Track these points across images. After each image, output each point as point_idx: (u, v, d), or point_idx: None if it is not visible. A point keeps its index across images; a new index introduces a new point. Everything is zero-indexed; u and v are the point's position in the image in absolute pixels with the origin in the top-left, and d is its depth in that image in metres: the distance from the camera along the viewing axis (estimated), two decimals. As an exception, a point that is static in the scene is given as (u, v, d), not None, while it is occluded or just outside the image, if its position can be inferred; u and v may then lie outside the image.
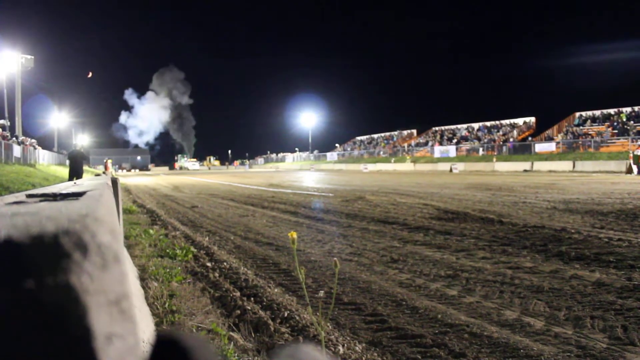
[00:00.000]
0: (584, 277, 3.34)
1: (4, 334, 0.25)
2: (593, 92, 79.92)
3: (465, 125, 49.75)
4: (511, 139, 42.06)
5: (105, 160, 33.99)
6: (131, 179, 28.08)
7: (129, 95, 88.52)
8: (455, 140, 47.07)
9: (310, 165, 56.23)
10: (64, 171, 22.53)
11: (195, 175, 32.39)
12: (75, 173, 12.50)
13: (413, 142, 52.39)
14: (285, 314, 2.72)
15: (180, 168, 73.82)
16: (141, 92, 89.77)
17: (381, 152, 53.63)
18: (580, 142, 34.19)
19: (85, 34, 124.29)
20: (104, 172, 7.89)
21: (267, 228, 6.14)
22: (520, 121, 45.30)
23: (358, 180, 20.37)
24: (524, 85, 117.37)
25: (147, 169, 72.38)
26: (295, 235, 1.56)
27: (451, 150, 43.62)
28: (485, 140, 43.66)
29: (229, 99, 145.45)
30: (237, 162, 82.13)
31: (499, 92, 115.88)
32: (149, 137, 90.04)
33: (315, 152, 67.41)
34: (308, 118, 70.86)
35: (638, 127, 33.40)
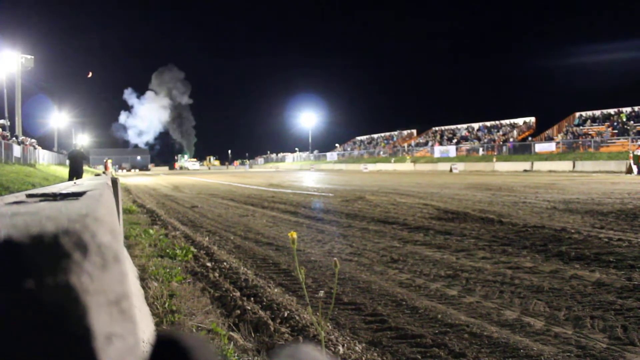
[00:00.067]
0: (584, 277, 3.34)
1: (4, 334, 0.25)
2: (593, 92, 79.99)
3: (465, 125, 49.76)
4: (511, 139, 42.06)
5: (105, 160, 33.98)
6: (131, 179, 28.07)
7: (129, 95, 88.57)
8: (455, 140, 47.07)
9: (310, 165, 56.23)
10: (64, 171, 22.53)
11: (195, 175, 32.38)
12: (75, 173, 12.50)
13: (413, 142, 52.39)
14: (285, 314, 2.72)
15: (181, 168, 73.84)
16: (141, 92, 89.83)
17: (381, 152, 53.63)
18: (580, 142, 34.19)
19: (85, 34, 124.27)
20: (104, 172, 7.89)
21: (267, 228, 6.14)
22: (520, 121, 45.31)
23: (358, 180, 20.37)
24: (524, 85, 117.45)
25: (147, 169, 72.39)
26: (295, 235, 1.56)
27: (451, 150, 43.62)
28: (485, 140, 43.67)
29: (229, 99, 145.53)
30: (237, 162, 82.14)
31: (499, 92, 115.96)
32: (149, 137, 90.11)
33: (315, 152, 67.42)
34: (308, 118, 70.87)
35: (638, 127, 33.41)
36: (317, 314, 2.62)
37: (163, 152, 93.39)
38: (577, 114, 39.48)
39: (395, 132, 59.74)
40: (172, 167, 76.89)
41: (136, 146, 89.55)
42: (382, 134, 61.57)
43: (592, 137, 34.58)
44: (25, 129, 35.34)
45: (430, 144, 48.70)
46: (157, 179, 26.83)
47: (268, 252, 4.58)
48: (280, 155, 77.15)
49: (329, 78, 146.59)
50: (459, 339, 2.33)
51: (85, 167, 18.23)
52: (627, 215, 6.34)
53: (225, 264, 4.09)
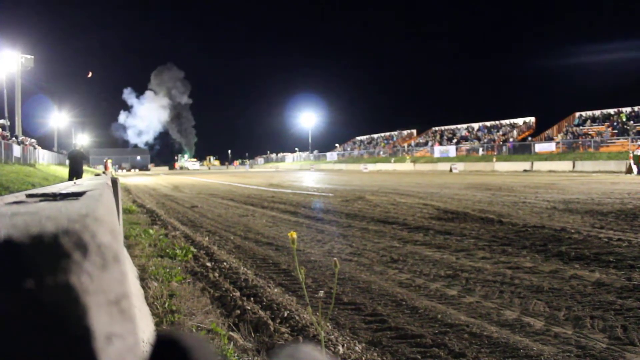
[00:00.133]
0: (584, 277, 3.34)
1: (4, 334, 0.25)
2: (593, 92, 79.99)
3: (465, 125, 49.76)
4: (511, 139, 42.07)
5: (105, 160, 33.99)
6: (131, 178, 28.07)
7: (128, 95, 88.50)
8: (455, 140, 47.07)
9: (310, 165, 56.23)
10: (64, 171, 22.53)
11: (195, 175, 32.38)
12: (75, 173, 12.50)
13: (413, 142, 52.40)
14: (285, 314, 2.72)
15: (181, 168, 73.83)
16: (141, 92, 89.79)
17: (381, 152, 53.63)
18: (580, 142, 34.20)
19: (85, 34, 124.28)
20: (103, 172, 7.89)
21: (267, 228, 6.14)
22: (520, 121, 45.32)
23: (358, 180, 20.37)
24: (524, 85, 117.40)
25: (147, 169, 72.39)
26: (295, 235, 1.56)
27: (451, 150, 43.62)
28: (485, 140, 43.67)
29: (229, 99, 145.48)
30: (237, 162, 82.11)
31: (499, 92, 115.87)
32: (148, 137, 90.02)
33: (315, 152, 67.42)
34: (308, 118, 70.87)
35: (638, 127, 33.42)
36: (317, 314, 2.62)
37: (163, 152, 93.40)
38: (577, 114, 39.49)
39: (395, 132, 59.74)
40: (172, 167, 76.89)
41: (136, 146, 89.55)
42: (382, 134, 61.57)
43: (592, 137, 34.59)
44: (25, 129, 35.37)
45: (430, 144, 48.70)
46: (157, 178, 26.83)
47: (268, 252, 4.58)
48: (280, 155, 77.14)
49: (329, 78, 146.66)
50: (458, 339, 2.33)
51: (85, 167, 18.23)
52: (627, 215, 6.34)
53: (225, 263, 4.09)
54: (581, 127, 37.67)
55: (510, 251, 4.27)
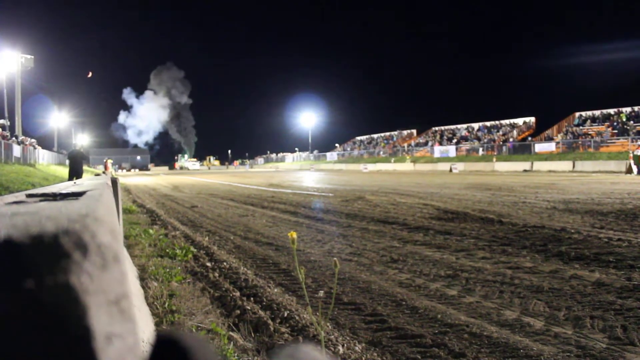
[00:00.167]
0: (584, 277, 3.34)
1: (4, 334, 0.25)
2: (593, 92, 79.97)
3: (465, 125, 49.76)
4: (511, 139, 42.07)
5: (105, 160, 33.97)
6: (131, 178, 28.07)
7: (127, 95, 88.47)
8: (455, 140, 47.07)
9: (310, 165, 56.23)
10: (64, 171, 22.53)
11: (195, 175, 32.38)
12: (75, 173, 12.50)
13: (413, 142, 52.40)
14: (285, 314, 2.72)
15: (181, 168, 73.81)
16: (141, 92, 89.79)
17: (381, 152, 53.63)
18: (580, 142, 34.19)
19: (85, 34, 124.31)
20: (103, 172, 7.89)
21: (266, 228, 6.14)
22: (520, 121, 45.32)
23: (358, 180, 20.37)
24: (524, 85, 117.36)
25: (147, 169, 72.38)
26: (295, 235, 1.56)
27: (451, 150, 43.62)
28: (485, 140, 43.67)
29: (229, 99, 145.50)
30: (237, 162, 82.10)
31: (499, 92, 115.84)
32: (148, 136, 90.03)
33: (315, 152, 67.42)
34: (308, 118, 70.87)
35: (638, 127, 33.42)
36: (317, 313, 2.62)
37: (163, 152, 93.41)
38: (577, 114, 39.48)
39: (395, 132, 59.74)
40: (172, 167, 76.87)
41: (136, 146, 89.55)
42: (382, 134, 61.56)
43: (592, 137, 34.59)
44: (25, 129, 35.37)
45: (430, 144, 48.71)
46: (157, 178, 26.83)
47: (268, 252, 4.58)
48: (280, 155, 77.14)
49: (329, 78, 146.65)
50: (458, 339, 2.33)
51: (85, 167, 18.23)
52: (627, 215, 6.34)
53: (225, 263, 4.09)
54: (581, 127, 37.67)
55: (510, 251, 4.27)
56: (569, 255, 3.99)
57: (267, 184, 16.37)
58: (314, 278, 3.56)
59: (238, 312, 2.78)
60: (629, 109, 36.13)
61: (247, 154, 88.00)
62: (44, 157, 31.78)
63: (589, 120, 38.15)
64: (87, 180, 2.07)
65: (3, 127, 26.40)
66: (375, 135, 62.82)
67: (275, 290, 3.29)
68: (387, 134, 60.88)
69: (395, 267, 3.84)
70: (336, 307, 2.85)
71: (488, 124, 47.79)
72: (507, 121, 46.29)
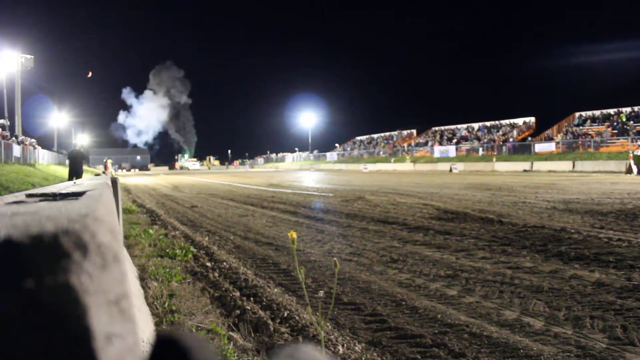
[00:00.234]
0: (584, 277, 3.34)
1: (4, 334, 0.25)
2: (593, 92, 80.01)
3: (465, 125, 49.77)
4: (511, 139, 42.07)
5: (105, 160, 33.97)
6: (131, 178, 28.06)
7: (127, 94, 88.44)
8: (455, 140, 47.08)
9: (310, 165, 56.23)
10: (64, 171, 22.53)
11: (195, 175, 32.38)
12: (75, 173, 12.49)
13: (413, 142, 52.40)
14: (285, 314, 2.72)
15: (181, 168, 73.79)
16: (141, 92, 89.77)
17: (381, 152, 53.64)
18: (580, 142, 34.20)
19: (85, 34, 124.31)
20: (103, 172, 7.89)
21: (266, 228, 6.14)
22: (520, 121, 45.32)
23: (358, 180, 20.37)
24: (524, 85, 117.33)
25: (147, 169, 72.37)
26: (295, 235, 1.56)
27: (451, 150, 43.63)
28: (485, 140, 43.68)
29: (229, 99, 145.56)
30: (237, 162, 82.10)
31: (499, 92, 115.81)
32: (148, 136, 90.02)
33: (315, 152, 67.42)
34: (308, 118, 70.90)
35: (638, 127, 33.42)
36: (317, 313, 2.62)
37: (163, 151, 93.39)
38: (577, 114, 39.49)
39: (395, 132, 59.74)
40: (172, 167, 76.86)
41: (135, 146, 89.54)
42: (382, 134, 61.57)
43: (592, 137, 34.59)
44: (25, 129, 35.37)
45: (430, 144, 48.71)
46: (157, 178, 26.82)
47: (268, 252, 4.58)
48: (280, 155, 77.13)
49: (329, 78, 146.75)
50: (458, 339, 2.33)
51: (85, 167, 18.22)
52: (627, 215, 6.34)
53: (225, 263, 4.09)
54: (581, 127, 37.67)
55: (510, 251, 4.27)
56: (569, 255, 4.00)
57: (267, 184, 16.37)
58: (314, 278, 3.56)
59: (238, 312, 2.78)
60: (629, 109, 36.13)
61: (247, 154, 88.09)
62: (43, 157, 31.78)
63: (589, 120, 38.15)
64: (87, 180, 2.07)
65: (3, 127, 26.40)
66: (375, 135, 62.82)
67: (275, 290, 3.29)
68: (387, 134, 60.88)
69: (395, 267, 3.84)
70: (336, 307, 2.85)
71: (488, 124, 47.80)
72: (507, 121, 46.30)
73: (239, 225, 6.41)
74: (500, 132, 44.66)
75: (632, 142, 30.28)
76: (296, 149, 74.21)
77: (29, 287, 0.26)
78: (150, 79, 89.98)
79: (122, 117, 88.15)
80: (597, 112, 38.31)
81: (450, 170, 33.49)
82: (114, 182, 3.11)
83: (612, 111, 37.23)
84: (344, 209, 8.07)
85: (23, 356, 0.26)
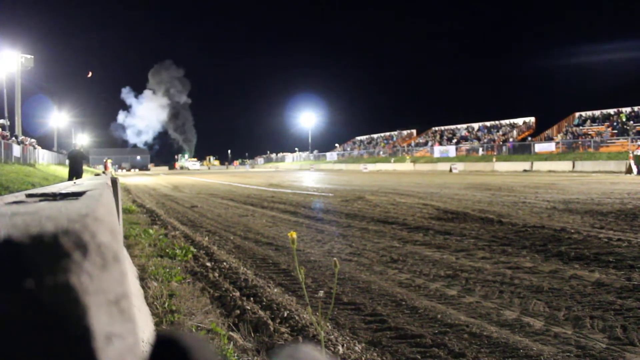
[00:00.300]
0: (584, 277, 3.34)
1: (4, 334, 0.26)
2: (593, 92, 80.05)
3: (465, 125, 49.77)
4: (511, 139, 42.07)
5: (104, 160, 33.98)
6: (131, 178, 28.07)
7: (126, 94, 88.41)
8: (455, 140, 47.08)
9: (310, 165, 56.23)
10: (64, 171, 22.53)
11: (195, 175, 32.38)
12: (75, 173, 12.49)
13: (413, 142, 52.40)
14: (285, 314, 2.72)
15: (181, 168, 73.77)
16: (140, 91, 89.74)
17: (381, 152, 53.64)
18: (579, 142, 34.20)
19: (85, 34, 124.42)
20: (103, 172, 7.88)
21: (266, 228, 6.14)
22: (520, 121, 45.32)
23: (358, 180, 20.37)
24: (524, 85, 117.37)
25: (147, 169, 72.36)
26: (295, 235, 1.56)
27: (451, 150, 43.63)
28: (485, 140, 43.68)
29: (229, 99, 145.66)
30: (237, 162, 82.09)
31: (499, 92, 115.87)
32: (148, 136, 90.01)
33: (315, 152, 67.42)
34: (308, 118, 70.90)
35: (638, 127, 33.42)
36: (317, 313, 2.62)
37: (162, 151, 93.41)
38: (577, 114, 39.49)
39: (395, 132, 59.74)
40: (172, 167, 76.85)
41: (135, 146, 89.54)
42: (382, 134, 61.57)
43: (592, 137, 34.60)
44: (25, 129, 35.37)
45: (430, 144, 48.71)
46: (157, 178, 26.82)
47: (268, 252, 4.58)
48: (280, 155, 77.13)
49: (329, 78, 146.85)
50: (458, 339, 2.33)
51: (85, 167, 18.22)
52: (627, 215, 6.34)
53: (225, 263, 4.09)
54: (581, 127, 37.67)
55: (510, 251, 4.27)
56: (569, 255, 4.00)
57: (267, 184, 16.37)
58: (314, 278, 3.56)
59: (238, 312, 2.78)
60: (628, 109, 36.13)
61: (247, 154, 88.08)
62: (43, 157, 31.77)
63: (588, 120, 38.15)
64: (87, 180, 2.07)
65: (3, 127, 26.40)
66: (375, 135, 62.82)
67: (275, 290, 3.29)
68: (387, 134, 60.88)
69: (395, 267, 3.84)
70: (336, 307, 2.85)
71: (488, 124, 47.80)
72: (507, 121, 46.30)
73: (239, 225, 6.41)
74: (500, 132, 44.66)
75: (632, 142, 30.28)
76: (296, 149, 74.29)
77: (29, 287, 0.26)
78: (150, 79, 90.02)
79: (121, 117, 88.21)
80: (597, 112, 38.31)
81: (450, 170, 33.48)
82: (114, 182, 3.11)
83: (612, 111, 37.23)
84: (344, 209, 8.07)
85: (23, 356, 0.26)
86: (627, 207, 7.27)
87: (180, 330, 1.63)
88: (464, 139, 46.65)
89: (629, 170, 22.58)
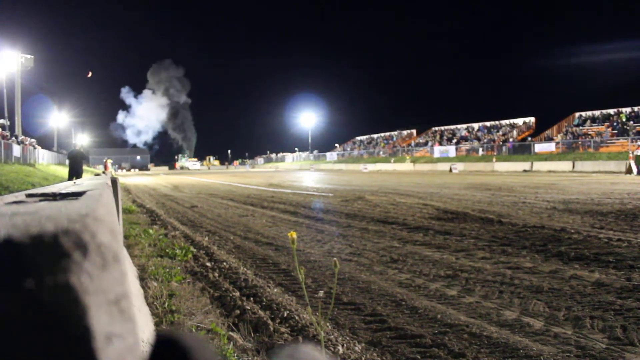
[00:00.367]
0: (584, 277, 3.34)
1: (4, 334, 0.26)
2: (593, 92, 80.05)
3: (465, 125, 49.77)
4: (511, 139, 42.08)
5: (104, 160, 33.97)
6: (131, 178, 28.07)
7: (126, 94, 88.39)
8: (455, 140, 47.08)
9: (310, 165, 56.23)
10: (64, 171, 22.53)
11: (195, 175, 32.38)
12: (75, 173, 12.49)
13: (413, 142, 52.41)
14: (285, 314, 2.72)
15: (181, 168, 73.75)
16: (140, 91, 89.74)
17: (381, 152, 53.64)
18: (579, 143, 34.21)
19: (85, 34, 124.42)
20: (103, 172, 7.88)
21: (266, 228, 6.14)
22: (520, 121, 45.32)
23: (358, 180, 20.37)
24: (524, 85, 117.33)
25: (147, 169, 72.36)
26: (294, 235, 1.56)
27: (451, 150, 43.63)
28: (485, 140, 43.68)
29: (229, 99, 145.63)
30: (237, 162, 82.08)
31: (499, 92, 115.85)
32: (147, 136, 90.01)
33: (315, 152, 67.43)
34: (308, 118, 70.92)
35: (638, 127, 33.43)
36: (317, 313, 2.62)
37: (162, 151, 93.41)
38: (577, 114, 39.49)
39: (395, 132, 59.75)
40: (172, 167, 76.85)
41: (135, 146, 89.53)
42: (382, 134, 61.58)
43: (592, 137, 34.60)
44: (25, 129, 35.37)
45: (430, 144, 48.71)
46: (157, 178, 26.82)
47: (268, 252, 4.58)
48: (280, 155, 77.13)
49: (329, 78, 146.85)
50: (458, 339, 2.33)
51: (85, 167, 18.22)
52: (627, 215, 6.34)
53: (224, 263, 4.09)
54: (581, 127, 37.67)
55: (510, 251, 4.27)
56: (569, 255, 4.00)
57: (267, 184, 16.37)
58: (314, 278, 3.56)
59: (238, 312, 2.78)
60: (628, 109, 36.14)
61: (247, 154, 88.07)
62: (43, 157, 31.77)
63: (588, 121, 38.16)
64: (87, 180, 2.07)
65: (3, 127, 26.40)
66: (375, 135, 62.82)
67: (275, 290, 3.29)
68: (387, 134, 60.89)
69: (395, 267, 3.84)
70: (336, 307, 2.85)
71: (488, 124, 47.80)
72: (507, 121, 46.31)
73: (239, 225, 6.41)
74: (500, 132, 44.67)
75: (632, 142, 30.28)
76: (296, 149, 74.30)
77: (29, 287, 0.26)
78: (149, 78, 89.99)
79: (121, 116, 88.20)
80: (597, 112, 38.31)
81: (450, 170, 33.48)
82: (114, 182, 3.11)
83: (612, 111, 37.24)
84: (344, 209, 8.07)
85: (23, 356, 0.26)
86: (627, 207, 7.27)
87: (180, 330, 1.63)
88: (464, 139, 46.65)
89: (629, 171, 22.58)
